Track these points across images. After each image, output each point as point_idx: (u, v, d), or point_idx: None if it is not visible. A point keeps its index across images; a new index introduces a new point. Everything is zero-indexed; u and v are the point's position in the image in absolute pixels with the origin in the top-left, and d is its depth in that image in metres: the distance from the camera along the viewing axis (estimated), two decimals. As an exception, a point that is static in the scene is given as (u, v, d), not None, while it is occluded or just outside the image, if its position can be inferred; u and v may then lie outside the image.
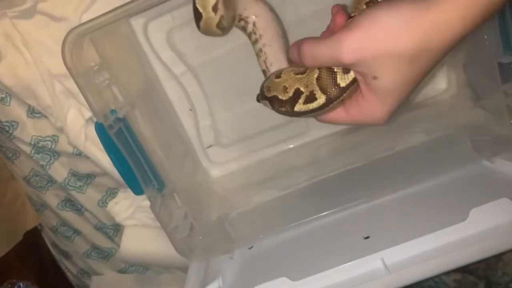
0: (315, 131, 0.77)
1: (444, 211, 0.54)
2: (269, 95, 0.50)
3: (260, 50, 0.55)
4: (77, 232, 0.87)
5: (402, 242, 0.50)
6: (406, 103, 0.42)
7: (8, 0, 0.68)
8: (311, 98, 0.44)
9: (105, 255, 0.89)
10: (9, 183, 0.84)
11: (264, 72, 0.56)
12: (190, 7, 0.66)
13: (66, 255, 0.93)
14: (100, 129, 0.55)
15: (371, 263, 0.50)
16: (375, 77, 0.38)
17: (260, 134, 0.77)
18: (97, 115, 0.54)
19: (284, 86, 0.47)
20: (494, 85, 0.59)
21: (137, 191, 0.59)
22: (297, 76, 0.46)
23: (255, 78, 0.72)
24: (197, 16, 0.52)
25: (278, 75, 0.49)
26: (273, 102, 0.49)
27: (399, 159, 0.68)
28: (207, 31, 0.55)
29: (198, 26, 0.54)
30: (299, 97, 0.45)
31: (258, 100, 0.55)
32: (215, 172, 0.80)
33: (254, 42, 0.56)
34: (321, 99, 0.44)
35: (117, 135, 0.55)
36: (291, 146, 0.79)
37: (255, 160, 0.79)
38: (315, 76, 0.43)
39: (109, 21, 0.50)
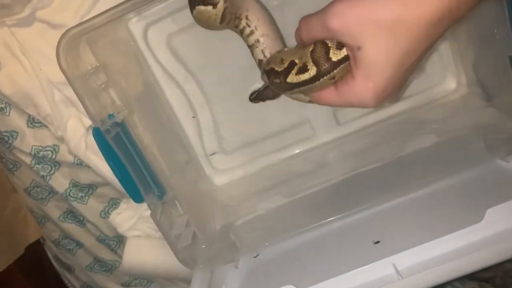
0: (320, 135, 0.75)
1: (458, 212, 0.51)
2: (267, 68, 0.51)
3: (257, 40, 0.54)
4: (79, 244, 0.85)
5: (414, 246, 0.47)
6: (396, 93, 0.43)
7: (6, 9, 0.67)
8: (303, 69, 0.45)
9: (108, 268, 0.87)
10: (10, 195, 0.83)
11: (260, 61, 0.56)
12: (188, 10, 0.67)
13: (69, 269, 0.91)
14: (98, 134, 0.53)
15: (382, 268, 0.47)
16: (359, 48, 0.39)
17: (265, 139, 0.75)
18: (94, 119, 0.52)
19: (282, 59, 0.48)
20: (507, 82, 0.56)
21: (137, 198, 0.58)
22: (295, 50, 0.48)
23: (257, 83, 0.72)
24: (192, 1, 0.51)
25: (279, 50, 0.52)
26: (270, 75, 0.50)
27: (409, 161, 0.66)
28: (204, 22, 0.53)
29: (191, 12, 0.52)
30: (292, 68, 0.46)
31: (250, 100, 0.61)
32: (219, 180, 0.77)
33: (248, 34, 0.55)
34: (312, 71, 0.45)
35: (114, 140, 0.54)
36: (297, 151, 0.76)
37: (260, 166, 0.77)
38: (310, 49, 0.45)
39: (105, 20, 0.49)
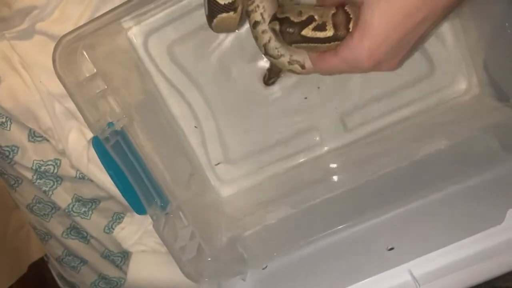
0: (328, 142, 0.73)
1: (476, 215, 0.48)
2: (281, 16, 0.51)
3: (257, 6, 0.55)
4: (83, 261, 0.83)
5: (431, 252, 0.45)
6: (395, 60, 0.43)
7: (6, 21, 0.67)
8: (321, 27, 0.47)
9: (113, 285, 0.85)
10: (13, 212, 0.81)
11: (256, 23, 0.56)
12: (190, 19, 0.66)
13: (73, 287, 0.89)
14: (97, 143, 0.52)
15: (398, 276, 0.45)
16: (360, 5, 0.40)
17: (271, 148, 0.73)
18: (92, 127, 0.51)
19: (300, 11, 0.49)
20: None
21: (139, 209, 0.55)
22: (316, 7, 0.49)
23: (262, 91, 0.70)
24: (215, 10, 0.51)
25: (297, 2, 0.53)
26: (284, 23, 0.50)
27: (421, 165, 0.63)
28: (221, 31, 0.55)
29: (211, 21, 0.53)
30: (310, 23, 0.48)
31: (267, 83, 0.66)
32: (225, 191, 0.75)
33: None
34: (329, 32, 0.46)
35: (114, 149, 0.52)
36: (304, 159, 0.74)
37: (267, 175, 0.75)
38: (332, 12, 0.46)
39: (101, 24, 0.48)
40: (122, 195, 0.55)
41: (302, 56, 0.60)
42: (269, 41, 0.58)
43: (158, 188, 0.56)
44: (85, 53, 0.52)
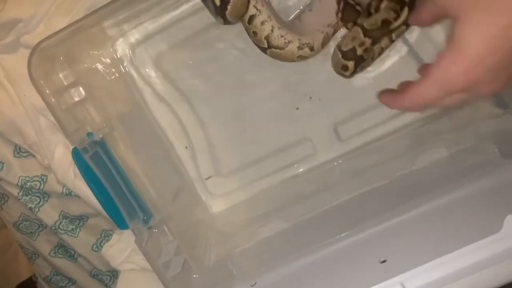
0: (322, 153, 0.71)
1: (473, 224, 0.46)
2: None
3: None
4: (71, 281, 0.81)
5: (424, 263, 0.42)
6: (493, 83, 0.38)
7: (-10, 35, 0.66)
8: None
9: (103, 306, 0.82)
10: (0, 232, 0.79)
11: (252, 17, 0.55)
12: (179, 29, 0.64)
13: (63, 308, 0.86)
14: (76, 154, 0.50)
15: (390, 289, 0.41)
16: (455, 19, 0.37)
17: (263, 160, 0.71)
18: (70, 137, 0.49)
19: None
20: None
21: (121, 224, 0.53)
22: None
23: (252, 101, 0.68)
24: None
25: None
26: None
27: (418, 174, 0.61)
28: (235, 16, 0.54)
29: (224, 15, 0.52)
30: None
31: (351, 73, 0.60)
32: (216, 205, 0.73)
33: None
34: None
35: (93, 159, 0.50)
36: (297, 171, 0.71)
37: (259, 189, 0.72)
38: None
39: (80, 27, 0.46)
40: (103, 208, 0.53)
41: (312, 37, 0.59)
42: (272, 31, 0.56)
43: (141, 202, 0.54)
44: (63, 59, 0.50)
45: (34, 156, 0.70)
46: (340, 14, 0.58)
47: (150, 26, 0.64)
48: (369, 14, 0.57)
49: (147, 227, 0.54)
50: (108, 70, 0.63)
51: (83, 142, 0.50)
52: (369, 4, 0.57)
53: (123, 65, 0.65)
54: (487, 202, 0.48)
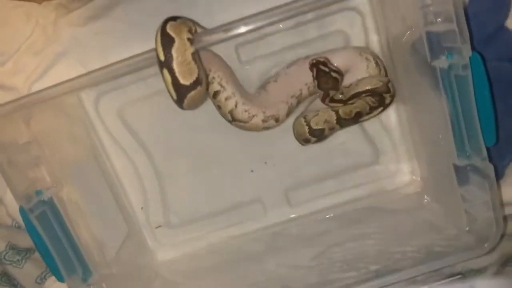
0: (271, 216, 0.73)
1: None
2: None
3: (213, 77, 0.58)
4: (12, 309, 0.81)
5: None
6: None
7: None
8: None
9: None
10: None
11: (216, 93, 0.59)
12: (145, 84, 0.66)
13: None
14: (22, 212, 0.51)
15: None
16: None
17: (214, 215, 0.73)
18: (17, 198, 0.50)
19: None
20: (451, 187, 0.55)
21: (59, 277, 0.54)
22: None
23: (210, 159, 0.70)
24: (182, 92, 0.52)
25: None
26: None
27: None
28: (194, 107, 0.57)
29: (181, 102, 0.54)
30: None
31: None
32: (163, 254, 0.74)
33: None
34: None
35: (39, 219, 0.51)
36: (246, 230, 0.74)
37: (208, 242, 0.74)
38: None
39: (46, 97, 0.47)
40: (43, 260, 0.54)
41: (277, 108, 0.62)
42: (235, 106, 0.60)
43: (82, 259, 0.56)
44: (22, 120, 0.51)
45: (-14, 187, 0.70)
46: (315, 81, 0.60)
47: (117, 80, 0.65)
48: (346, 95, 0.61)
49: (85, 284, 0.55)
50: (71, 116, 0.64)
51: (31, 200, 0.51)
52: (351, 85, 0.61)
53: (86, 113, 0.66)
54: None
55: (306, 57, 0.62)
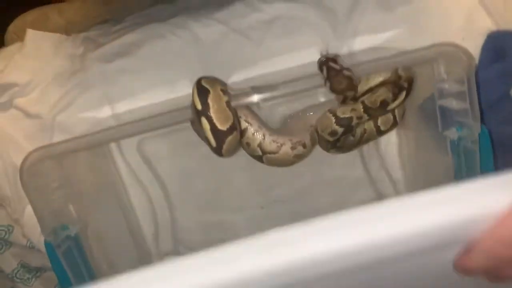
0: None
1: None
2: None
3: (240, 116, 0.60)
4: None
5: None
6: None
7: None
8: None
9: None
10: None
11: (244, 130, 0.61)
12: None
13: None
14: (49, 248, 0.54)
15: None
16: None
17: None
18: (46, 234, 0.53)
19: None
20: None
21: (78, 311, 0.57)
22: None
23: (222, 195, 0.73)
24: (221, 137, 0.55)
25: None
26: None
27: None
28: (232, 152, 0.59)
29: (220, 148, 0.56)
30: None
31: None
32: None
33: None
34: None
35: (65, 255, 0.54)
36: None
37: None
38: None
39: (73, 147, 0.50)
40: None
41: (301, 135, 0.64)
42: (263, 138, 0.62)
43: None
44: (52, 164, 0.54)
45: (3, 207, 0.73)
46: (327, 84, 0.55)
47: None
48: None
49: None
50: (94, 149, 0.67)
51: (58, 236, 0.54)
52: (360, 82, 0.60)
53: (107, 144, 0.69)
54: None
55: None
